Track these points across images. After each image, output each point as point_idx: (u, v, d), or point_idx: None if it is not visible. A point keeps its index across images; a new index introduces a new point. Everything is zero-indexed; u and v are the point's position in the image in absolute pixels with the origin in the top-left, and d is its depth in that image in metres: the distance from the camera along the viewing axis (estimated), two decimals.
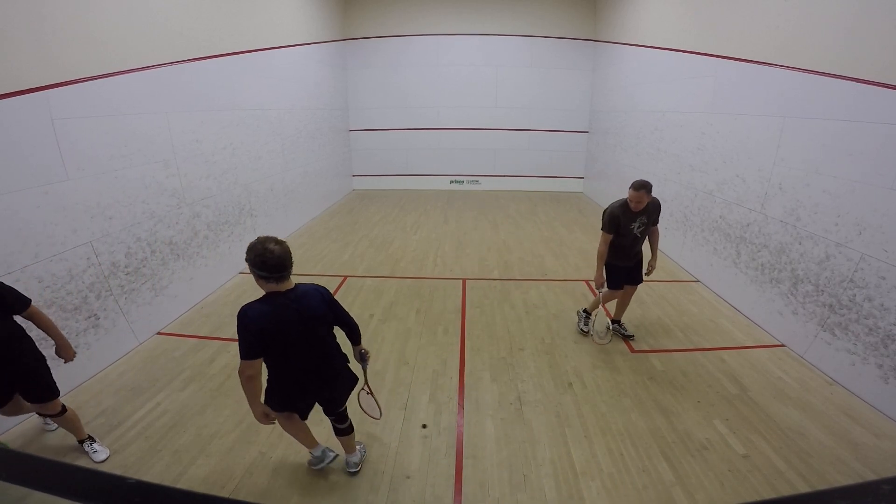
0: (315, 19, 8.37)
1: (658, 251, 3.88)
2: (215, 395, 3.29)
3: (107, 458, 2.68)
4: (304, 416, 2.40)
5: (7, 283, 2.76)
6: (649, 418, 3.06)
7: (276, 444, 2.82)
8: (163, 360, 3.73)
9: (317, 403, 2.40)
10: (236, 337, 1.94)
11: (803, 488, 2.52)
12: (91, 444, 2.69)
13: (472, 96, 10.52)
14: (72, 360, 2.58)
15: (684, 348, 3.95)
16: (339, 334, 2.30)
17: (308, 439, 2.53)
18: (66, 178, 3.24)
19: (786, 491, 2.52)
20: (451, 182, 11.27)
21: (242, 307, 1.97)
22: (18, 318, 2.39)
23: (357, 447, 2.65)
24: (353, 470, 2.60)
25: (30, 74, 2.95)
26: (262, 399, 2.20)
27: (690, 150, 5.80)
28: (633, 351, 3.90)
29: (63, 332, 2.59)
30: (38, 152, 3.05)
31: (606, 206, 3.74)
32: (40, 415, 2.71)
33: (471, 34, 10.14)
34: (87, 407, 3.10)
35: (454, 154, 11.04)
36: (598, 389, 3.38)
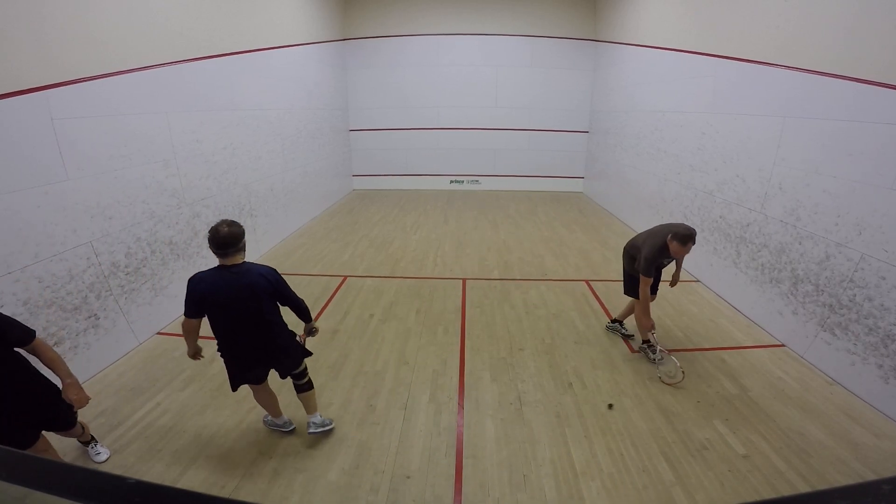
0: (315, 19, 8.37)
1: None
2: (215, 395, 3.29)
3: (107, 459, 2.68)
4: (257, 381, 2.69)
5: (7, 283, 2.77)
6: (649, 418, 3.06)
7: (276, 443, 2.82)
8: (163, 360, 3.73)
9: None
10: None
11: (803, 488, 2.52)
12: (94, 446, 2.69)
13: (472, 96, 10.52)
14: (83, 405, 2.19)
15: (684, 348, 3.95)
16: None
17: (273, 410, 2.82)
18: (66, 178, 3.25)
19: (786, 491, 2.52)
20: (451, 182, 11.27)
21: (194, 274, 2.39)
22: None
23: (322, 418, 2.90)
24: (313, 430, 2.79)
25: (30, 74, 2.95)
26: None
27: (690, 150, 5.80)
28: (633, 351, 3.90)
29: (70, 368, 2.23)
30: (38, 152, 3.05)
31: (639, 242, 3.58)
32: (81, 442, 2.66)
33: (471, 34, 10.14)
34: (86, 407, 3.08)
35: (454, 154, 11.05)
36: (598, 389, 3.38)
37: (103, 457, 2.68)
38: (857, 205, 3.34)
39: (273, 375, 2.75)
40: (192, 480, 2.55)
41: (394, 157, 11.12)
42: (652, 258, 3.41)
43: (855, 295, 3.35)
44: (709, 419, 3.05)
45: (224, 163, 5.32)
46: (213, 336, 2.80)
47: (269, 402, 2.79)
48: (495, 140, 10.86)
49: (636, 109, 7.80)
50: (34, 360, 2.14)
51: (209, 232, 2.33)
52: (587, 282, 5.44)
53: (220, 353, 2.54)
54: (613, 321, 4.20)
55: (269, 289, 2.39)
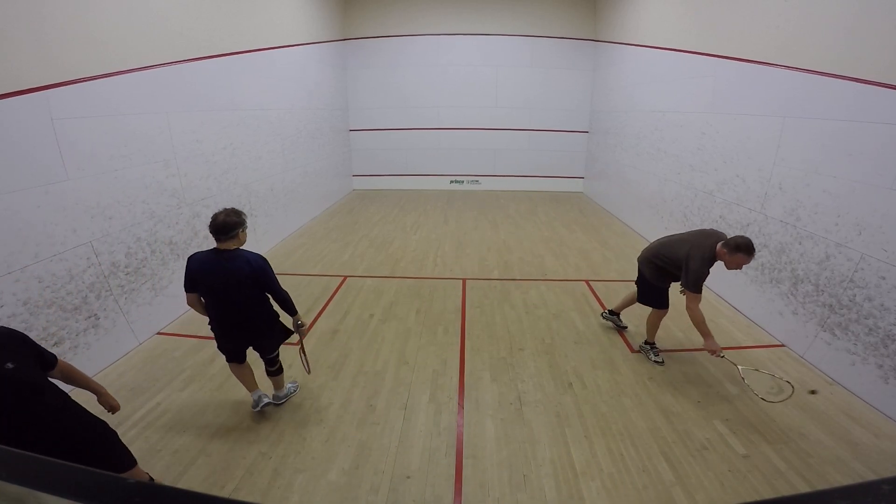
0: (315, 19, 8.37)
1: None
2: (215, 395, 3.29)
3: None
4: (237, 360, 2.91)
5: (7, 283, 2.76)
6: (649, 418, 3.06)
7: (276, 443, 2.82)
8: (163, 360, 3.73)
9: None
10: None
11: (803, 488, 2.52)
12: None
13: (471, 96, 10.52)
14: (118, 408, 2.22)
15: (684, 348, 3.95)
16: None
17: (249, 384, 3.02)
18: (66, 178, 3.24)
19: (786, 491, 2.52)
20: (451, 182, 11.27)
21: (194, 252, 2.68)
22: None
23: (287, 384, 3.23)
24: (278, 403, 3.13)
25: (30, 74, 2.95)
26: None
27: (690, 150, 5.80)
28: (633, 351, 3.90)
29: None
30: (38, 152, 3.05)
31: (673, 252, 3.32)
32: None
33: (471, 34, 10.14)
34: (86, 407, 3.09)
35: (454, 154, 11.05)
36: (598, 389, 3.38)
37: None
38: (857, 205, 3.34)
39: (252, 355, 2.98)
40: (192, 480, 2.55)
41: (394, 157, 11.13)
42: (702, 274, 3.13)
43: (855, 295, 3.35)
44: (709, 419, 3.05)
45: (224, 163, 5.32)
46: (213, 336, 2.84)
47: (243, 376, 3.01)
48: (495, 140, 10.86)
49: (636, 109, 7.80)
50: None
51: (212, 216, 2.60)
52: (587, 282, 5.44)
53: (210, 326, 2.80)
54: (611, 312, 4.16)
55: (251, 275, 2.58)
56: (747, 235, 4.56)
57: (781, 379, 3.09)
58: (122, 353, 3.77)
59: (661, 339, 4.01)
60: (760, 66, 4.42)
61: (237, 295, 2.61)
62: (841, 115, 3.48)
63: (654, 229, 6.31)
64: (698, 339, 4.06)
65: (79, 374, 2.08)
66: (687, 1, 6.01)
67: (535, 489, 2.50)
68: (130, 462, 2.07)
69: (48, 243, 3.12)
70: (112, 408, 2.18)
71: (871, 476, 2.59)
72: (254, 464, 2.66)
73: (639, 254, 3.78)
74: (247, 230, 2.70)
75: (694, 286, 3.14)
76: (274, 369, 3.05)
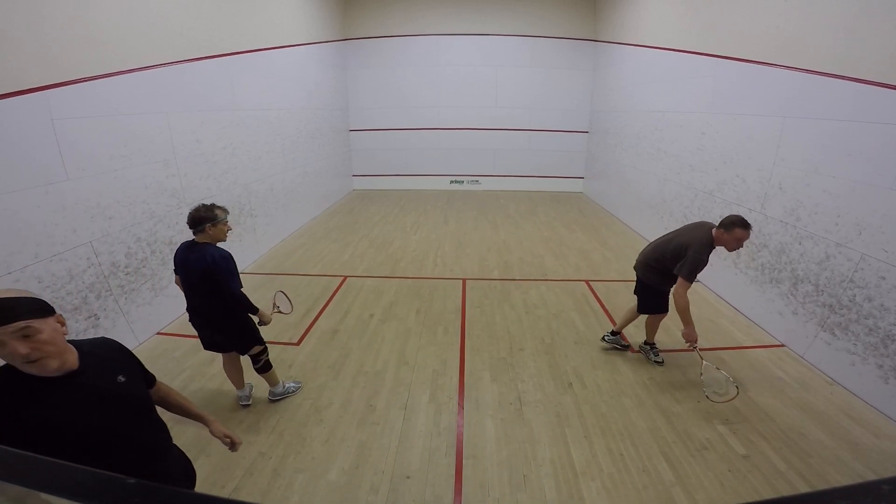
0: (315, 19, 8.37)
1: None
2: (215, 395, 3.29)
3: None
4: (212, 349, 2.98)
5: (7, 283, 2.75)
6: (649, 418, 3.06)
7: (276, 443, 2.82)
8: (163, 360, 3.73)
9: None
10: None
11: (803, 488, 2.52)
12: None
13: (471, 96, 10.53)
14: (240, 444, 1.75)
15: (684, 348, 3.94)
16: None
17: (234, 381, 3.14)
18: (66, 178, 3.25)
19: (786, 491, 2.52)
20: (451, 182, 11.27)
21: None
22: None
23: (288, 383, 3.30)
24: (272, 399, 3.19)
25: (30, 74, 2.95)
26: None
27: (690, 151, 5.80)
28: (633, 351, 3.90)
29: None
30: (38, 152, 3.05)
31: (667, 249, 3.25)
32: None
33: (471, 34, 10.15)
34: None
35: (454, 154, 11.05)
36: (598, 389, 3.38)
37: None
38: (857, 205, 3.34)
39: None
40: None
41: (394, 157, 11.13)
42: (701, 261, 3.06)
43: (855, 295, 3.35)
44: (709, 419, 3.05)
45: (224, 163, 5.32)
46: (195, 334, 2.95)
47: (231, 372, 3.11)
48: (495, 140, 10.86)
49: (636, 109, 7.80)
50: None
51: None
52: (587, 282, 5.44)
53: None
54: (612, 333, 3.92)
55: (206, 269, 2.61)
56: None
57: (732, 383, 3.07)
58: None
59: (662, 339, 4.01)
60: (760, 66, 4.42)
61: (198, 287, 2.70)
62: (841, 115, 3.48)
63: (654, 229, 6.30)
64: (699, 340, 4.07)
65: (180, 397, 1.70)
66: (687, 1, 6.01)
67: (535, 489, 2.50)
68: None
69: (48, 243, 3.12)
70: (233, 443, 1.71)
71: (871, 476, 2.59)
72: (254, 464, 2.66)
73: (637, 256, 3.68)
74: (223, 227, 2.68)
75: (689, 273, 3.07)
76: (258, 366, 3.05)
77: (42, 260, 3.07)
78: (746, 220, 2.99)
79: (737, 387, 3.07)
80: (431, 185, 11.27)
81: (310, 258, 6.27)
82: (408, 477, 2.58)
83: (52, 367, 1.18)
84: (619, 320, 3.92)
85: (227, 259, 2.65)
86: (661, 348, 3.83)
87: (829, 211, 3.60)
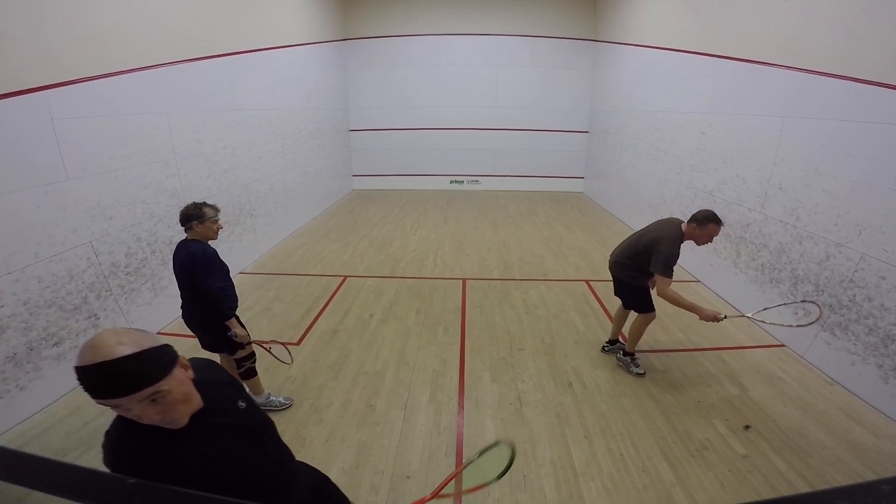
0: (315, 19, 8.37)
1: None
2: None
3: None
4: (202, 347, 2.92)
5: (7, 283, 2.75)
6: (649, 418, 3.06)
7: None
8: None
9: None
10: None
11: (803, 488, 2.52)
12: None
13: (471, 96, 10.52)
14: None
15: (684, 348, 3.95)
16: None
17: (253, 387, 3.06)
18: (66, 178, 3.24)
19: (786, 491, 2.52)
20: (451, 182, 11.27)
21: None
22: None
23: (275, 398, 3.15)
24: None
25: (30, 74, 2.95)
26: None
27: (690, 151, 5.80)
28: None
29: None
30: (38, 152, 3.05)
31: (634, 248, 3.28)
32: None
33: (471, 34, 10.14)
34: (86, 408, 3.09)
35: (454, 154, 11.05)
36: (598, 389, 3.38)
37: None
38: (857, 205, 3.34)
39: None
40: None
41: (394, 157, 11.13)
42: (673, 255, 3.07)
43: (855, 295, 3.35)
44: (709, 419, 3.05)
45: (224, 163, 5.32)
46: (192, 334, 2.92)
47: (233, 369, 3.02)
48: (495, 140, 10.86)
49: (636, 109, 7.80)
50: None
51: None
52: (587, 282, 5.44)
53: None
54: (609, 342, 3.86)
55: (185, 265, 2.61)
56: (747, 235, 4.59)
57: (794, 303, 3.09)
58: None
59: (662, 340, 4.02)
60: (760, 66, 4.42)
61: (182, 283, 2.71)
62: (841, 115, 3.48)
63: None
64: (699, 340, 4.08)
65: None
66: (687, 1, 6.01)
67: (535, 489, 2.50)
68: None
69: (48, 243, 3.12)
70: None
71: (871, 476, 2.59)
72: None
73: (608, 257, 3.60)
74: (211, 225, 2.66)
75: (664, 268, 3.06)
76: (241, 371, 2.94)
77: (42, 260, 3.07)
78: (718, 216, 3.06)
79: (806, 300, 3.20)
80: (431, 185, 11.27)
81: (310, 258, 6.27)
82: (408, 477, 2.58)
83: (184, 421, 1.01)
84: (611, 328, 3.84)
85: (208, 256, 2.59)
86: (661, 348, 3.84)
87: (829, 211, 3.60)
